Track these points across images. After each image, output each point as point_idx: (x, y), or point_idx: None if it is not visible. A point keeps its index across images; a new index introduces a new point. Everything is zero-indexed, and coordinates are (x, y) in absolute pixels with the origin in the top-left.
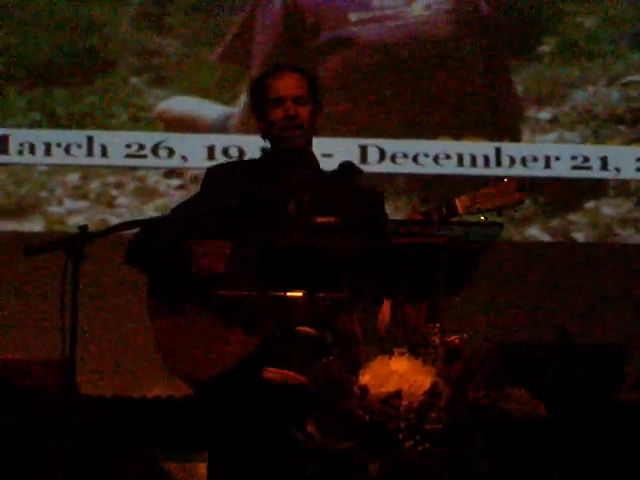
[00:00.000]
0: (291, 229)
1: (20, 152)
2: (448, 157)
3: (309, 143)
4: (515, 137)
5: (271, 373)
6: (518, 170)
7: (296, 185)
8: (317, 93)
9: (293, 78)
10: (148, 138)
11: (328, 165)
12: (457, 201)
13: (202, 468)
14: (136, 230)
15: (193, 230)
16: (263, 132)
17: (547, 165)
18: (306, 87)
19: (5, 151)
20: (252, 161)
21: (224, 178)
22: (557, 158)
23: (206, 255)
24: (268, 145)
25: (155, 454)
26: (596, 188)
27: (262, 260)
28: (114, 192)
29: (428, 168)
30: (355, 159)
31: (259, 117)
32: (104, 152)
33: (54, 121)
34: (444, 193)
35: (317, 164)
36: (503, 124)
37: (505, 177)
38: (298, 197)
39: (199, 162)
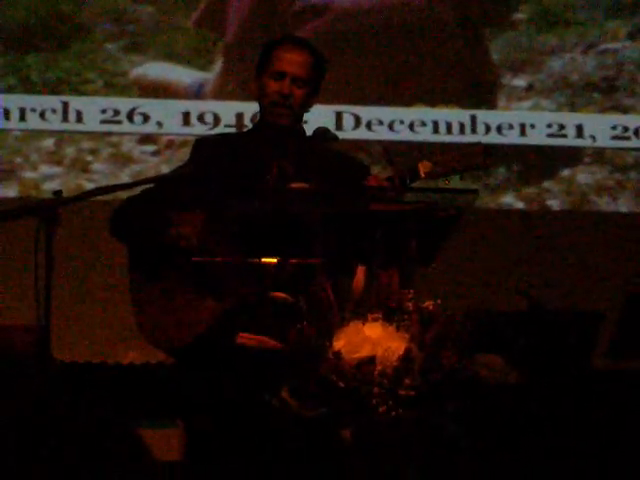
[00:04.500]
0: (267, 196)
1: None
2: (424, 124)
3: (297, 122)
4: (491, 105)
5: (245, 339)
6: (493, 138)
7: (278, 154)
8: (320, 76)
9: (301, 55)
10: (123, 104)
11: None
12: (420, 165)
13: (177, 435)
14: (111, 198)
15: (172, 199)
16: (256, 96)
17: (522, 133)
18: (310, 68)
19: None
20: (239, 134)
21: (211, 150)
22: (532, 126)
23: (181, 224)
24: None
25: (129, 421)
26: (571, 156)
27: (237, 227)
28: (89, 158)
29: (403, 135)
30: (330, 126)
31: (257, 80)
32: (79, 118)
33: (29, 86)
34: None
35: (303, 137)
36: (479, 91)
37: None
38: (280, 165)
39: (174, 128)
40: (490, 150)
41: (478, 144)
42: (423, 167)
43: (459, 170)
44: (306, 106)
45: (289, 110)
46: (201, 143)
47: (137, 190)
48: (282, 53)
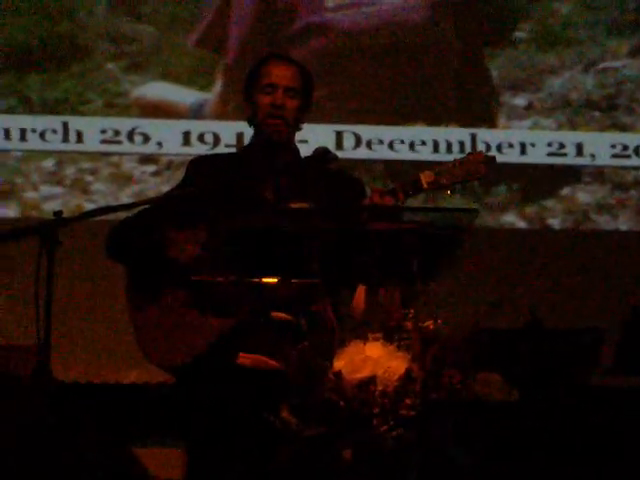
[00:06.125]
0: (266, 215)
1: None
2: (424, 143)
3: (291, 136)
4: (491, 123)
5: (246, 359)
6: None
7: (274, 172)
8: (309, 91)
9: (289, 69)
10: (123, 124)
11: (304, 151)
12: (421, 176)
13: (179, 454)
14: (112, 218)
15: (169, 219)
16: (249, 118)
17: (522, 151)
18: (300, 81)
19: None
20: (233, 153)
21: (206, 169)
22: (532, 144)
23: (180, 242)
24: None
25: (127, 441)
26: (571, 174)
27: (237, 246)
28: (89, 178)
29: (404, 154)
30: (331, 145)
31: (248, 103)
32: (79, 138)
33: (29, 107)
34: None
35: (298, 155)
36: (479, 110)
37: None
38: (276, 183)
39: (174, 148)
40: (491, 159)
41: (479, 153)
42: (425, 177)
43: (461, 180)
44: (299, 121)
45: (283, 121)
46: (195, 162)
47: (136, 210)
48: (271, 68)
